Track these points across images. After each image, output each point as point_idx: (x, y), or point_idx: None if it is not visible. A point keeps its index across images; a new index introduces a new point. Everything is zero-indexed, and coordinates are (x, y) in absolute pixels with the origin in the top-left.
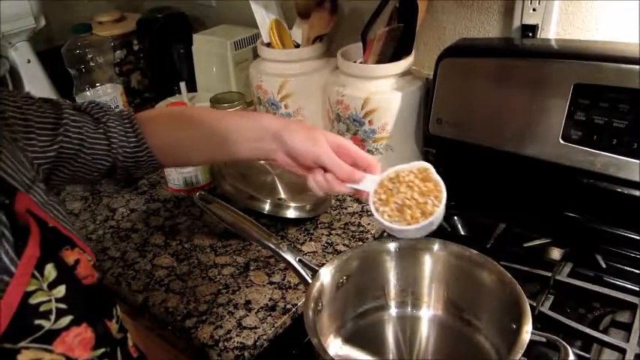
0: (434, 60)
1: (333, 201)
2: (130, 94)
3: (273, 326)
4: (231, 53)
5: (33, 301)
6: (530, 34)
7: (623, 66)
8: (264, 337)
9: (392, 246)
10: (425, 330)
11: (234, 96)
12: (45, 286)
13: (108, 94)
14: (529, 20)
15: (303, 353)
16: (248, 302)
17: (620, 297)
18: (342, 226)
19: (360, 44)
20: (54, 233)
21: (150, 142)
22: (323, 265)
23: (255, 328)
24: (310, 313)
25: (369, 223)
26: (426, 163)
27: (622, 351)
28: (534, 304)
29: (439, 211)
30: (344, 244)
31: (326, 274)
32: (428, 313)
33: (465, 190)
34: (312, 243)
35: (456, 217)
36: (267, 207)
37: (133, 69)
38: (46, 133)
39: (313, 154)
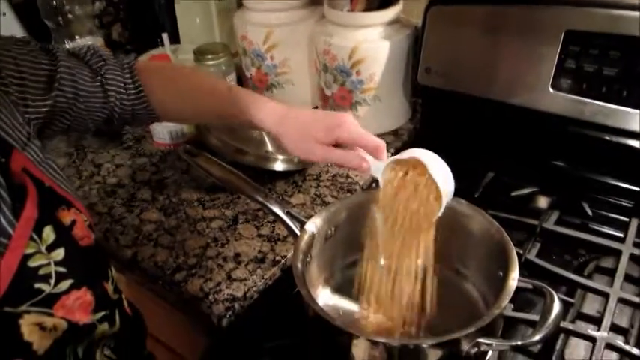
0: (423, 8)
1: None
2: (111, 47)
3: (263, 278)
4: (214, 3)
5: (32, 263)
6: None
7: (615, 12)
8: (254, 288)
9: (380, 196)
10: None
11: (219, 47)
12: (44, 248)
13: None
14: None
15: (293, 304)
16: (237, 255)
17: (605, 243)
18: (330, 178)
19: None
20: (50, 193)
21: (150, 96)
22: (311, 217)
23: (245, 280)
24: (299, 264)
25: (357, 175)
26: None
27: (605, 295)
28: (521, 252)
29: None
30: (332, 196)
31: (314, 226)
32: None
33: (453, 140)
34: (301, 195)
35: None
36: (254, 160)
37: (113, 21)
38: (40, 87)
39: (309, 159)
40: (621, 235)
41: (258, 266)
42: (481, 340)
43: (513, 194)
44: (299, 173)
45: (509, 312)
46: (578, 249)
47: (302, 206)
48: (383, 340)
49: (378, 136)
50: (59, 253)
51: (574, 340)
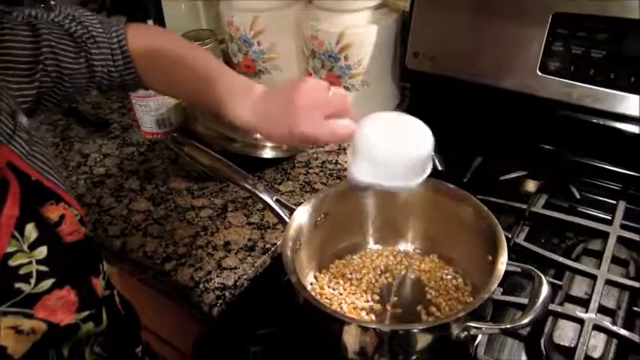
0: None
1: None
2: None
3: (253, 266)
4: None
5: (13, 262)
6: None
7: None
8: (245, 276)
9: None
10: (403, 265)
11: (205, 34)
12: (25, 247)
13: None
14: None
15: (285, 291)
16: (227, 243)
17: (593, 226)
18: (320, 164)
19: None
20: (37, 188)
21: (138, 63)
22: (301, 204)
23: (235, 268)
24: (288, 252)
25: (346, 161)
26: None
27: (593, 277)
28: (510, 236)
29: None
30: (322, 183)
31: (303, 213)
32: (406, 248)
33: (442, 125)
34: (290, 182)
35: (433, 152)
36: (243, 147)
37: (99, 9)
38: (24, 73)
39: (292, 141)
40: (609, 217)
41: (248, 254)
42: (471, 324)
43: (502, 178)
44: (288, 160)
45: (499, 296)
46: (567, 232)
47: (291, 193)
48: (373, 325)
49: None
50: (41, 252)
51: (562, 323)
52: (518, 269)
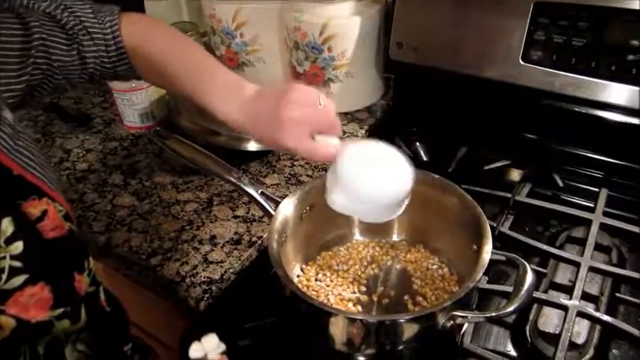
0: None
1: None
2: None
3: (240, 259)
4: None
5: None
6: None
7: None
8: (231, 270)
9: None
10: (389, 255)
11: (187, 26)
12: (1, 241)
13: None
14: None
15: (271, 284)
16: (213, 237)
17: (576, 214)
18: None
19: None
20: (18, 182)
21: (132, 55)
22: (286, 196)
23: (222, 262)
24: (274, 245)
25: None
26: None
27: (576, 264)
28: (494, 225)
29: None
30: (307, 175)
31: (288, 206)
32: (392, 238)
33: (426, 115)
34: (275, 175)
35: (417, 143)
36: (227, 141)
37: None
38: (14, 68)
39: (275, 147)
40: (591, 204)
41: (234, 248)
42: (456, 313)
43: (486, 168)
44: (273, 153)
45: (484, 284)
46: (550, 220)
47: (277, 186)
48: (360, 316)
49: (352, 113)
50: (17, 247)
51: (547, 310)
52: (503, 258)
